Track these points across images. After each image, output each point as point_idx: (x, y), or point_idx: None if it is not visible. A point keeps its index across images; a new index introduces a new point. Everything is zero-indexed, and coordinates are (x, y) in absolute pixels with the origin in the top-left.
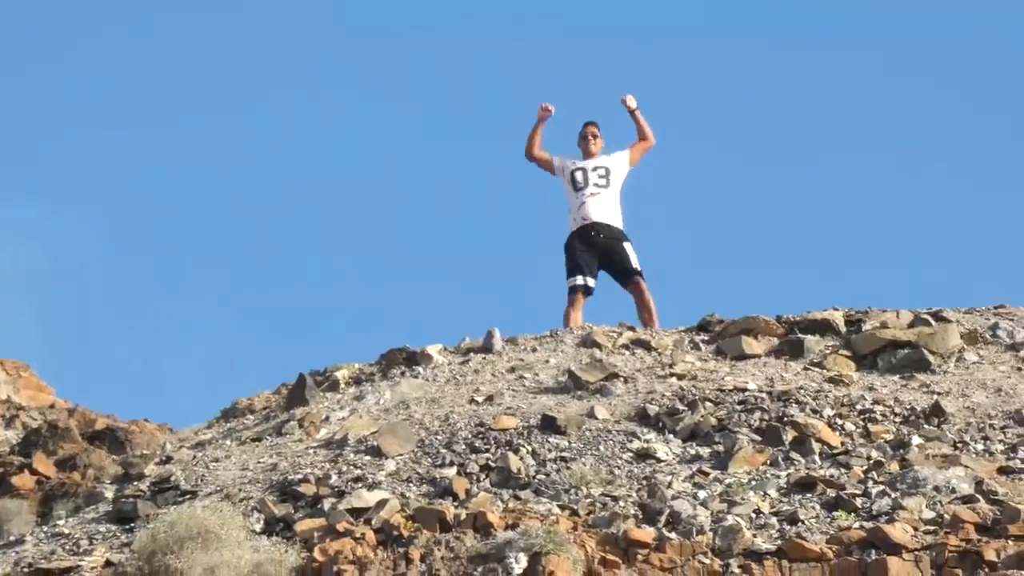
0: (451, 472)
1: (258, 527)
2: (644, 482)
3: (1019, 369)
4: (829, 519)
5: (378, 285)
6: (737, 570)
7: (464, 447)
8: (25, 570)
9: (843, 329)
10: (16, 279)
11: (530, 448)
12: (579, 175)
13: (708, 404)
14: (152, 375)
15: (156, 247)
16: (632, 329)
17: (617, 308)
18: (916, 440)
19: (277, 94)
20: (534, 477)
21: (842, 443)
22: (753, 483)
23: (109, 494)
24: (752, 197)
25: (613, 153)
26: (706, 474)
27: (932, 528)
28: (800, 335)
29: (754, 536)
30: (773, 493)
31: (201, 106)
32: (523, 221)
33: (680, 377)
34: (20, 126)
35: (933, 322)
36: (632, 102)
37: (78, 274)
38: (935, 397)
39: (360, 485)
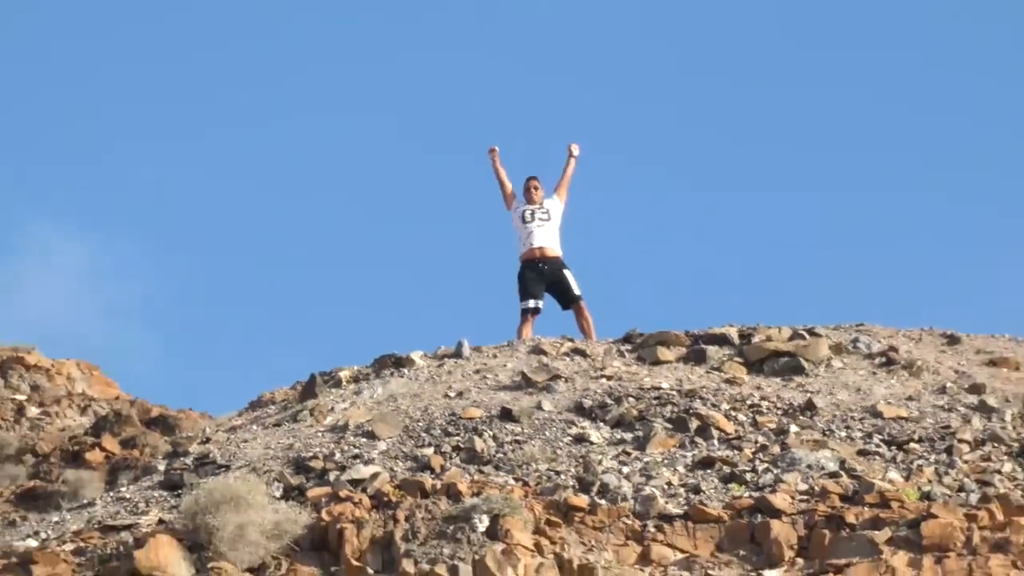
0: (429, 451)
1: (278, 494)
2: (580, 460)
3: (874, 374)
4: (725, 490)
5: (374, 303)
6: (653, 529)
7: (439, 432)
8: (95, 526)
9: (737, 341)
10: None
11: (491, 433)
12: (527, 213)
13: (631, 399)
14: (196, 374)
15: (209, 271)
16: (572, 340)
17: (560, 324)
18: (793, 428)
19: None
20: (494, 456)
21: (735, 430)
22: (666, 461)
23: (161, 467)
24: (667, 228)
25: (549, 197)
26: (629, 454)
27: (806, 497)
28: (703, 345)
29: (666, 503)
30: (681, 469)
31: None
32: (487, 255)
33: (609, 378)
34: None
35: (807, 336)
36: (576, 151)
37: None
38: (808, 395)
39: (358, 461)
